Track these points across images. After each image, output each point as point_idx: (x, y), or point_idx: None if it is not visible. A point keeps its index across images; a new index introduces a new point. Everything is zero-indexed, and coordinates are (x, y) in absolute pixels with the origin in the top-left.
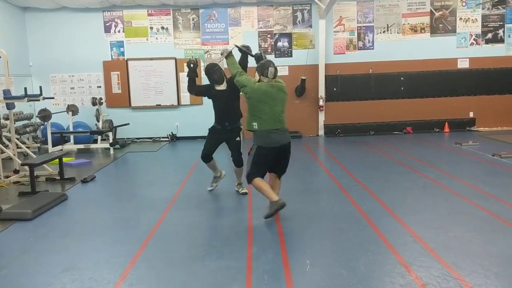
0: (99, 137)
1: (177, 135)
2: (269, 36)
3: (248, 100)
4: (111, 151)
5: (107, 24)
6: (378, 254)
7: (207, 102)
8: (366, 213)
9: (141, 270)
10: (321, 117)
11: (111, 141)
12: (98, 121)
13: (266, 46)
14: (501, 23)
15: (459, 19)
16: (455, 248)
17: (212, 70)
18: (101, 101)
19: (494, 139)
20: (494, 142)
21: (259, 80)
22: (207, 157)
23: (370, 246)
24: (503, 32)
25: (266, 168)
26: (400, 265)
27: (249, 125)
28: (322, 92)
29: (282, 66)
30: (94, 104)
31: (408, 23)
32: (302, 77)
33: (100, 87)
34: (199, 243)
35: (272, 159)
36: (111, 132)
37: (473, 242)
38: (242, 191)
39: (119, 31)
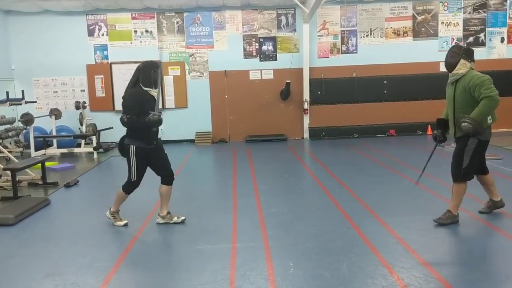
0: (83, 141)
1: (162, 139)
2: (253, 39)
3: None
4: (95, 155)
5: (90, 28)
6: (361, 256)
7: (192, 105)
8: (349, 215)
9: (124, 274)
10: (306, 120)
11: (94, 145)
12: (81, 125)
13: (251, 49)
14: (482, 27)
15: (441, 23)
16: (436, 249)
17: (156, 69)
18: (85, 105)
19: None
20: None
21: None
22: (136, 187)
23: (353, 247)
24: (484, 35)
25: None
26: (382, 267)
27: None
28: (306, 95)
29: (267, 69)
30: (77, 108)
31: (391, 27)
32: (287, 81)
33: (83, 90)
34: (183, 247)
35: None
36: (94, 136)
37: (453, 243)
38: (181, 218)
39: (102, 35)
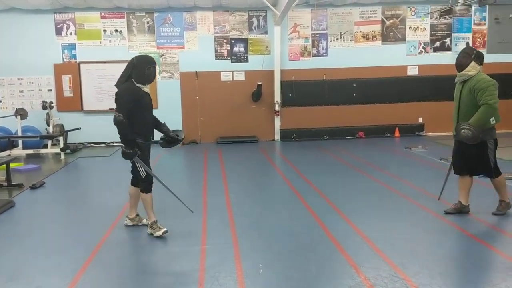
0: (50, 142)
1: None
2: (225, 41)
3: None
4: (62, 156)
5: (58, 26)
6: (329, 256)
7: (163, 105)
8: (318, 215)
9: (91, 276)
10: (277, 122)
11: (62, 146)
12: (48, 125)
13: (222, 51)
14: (448, 32)
15: (409, 28)
16: (402, 249)
17: (152, 65)
18: (52, 104)
19: (442, 144)
20: (442, 147)
21: None
22: (152, 181)
23: (321, 248)
24: (450, 41)
25: None
26: (349, 267)
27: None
28: (278, 97)
29: (239, 71)
30: (44, 108)
31: (360, 31)
32: (258, 83)
33: (50, 90)
34: (153, 249)
35: None
36: (62, 137)
37: (419, 243)
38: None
39: (71, 34)
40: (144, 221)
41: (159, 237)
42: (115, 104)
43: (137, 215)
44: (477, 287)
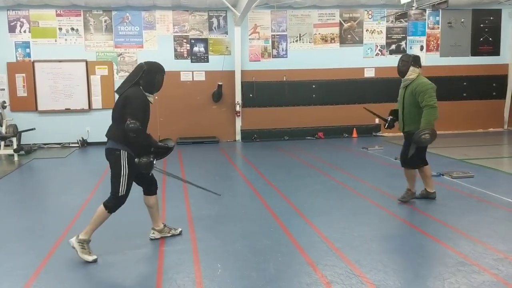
0: (2, 143)
1: (88, 141)
2: (185, 41)
3: None
4: (15, 158)
5: (11, 24)
6: (287, 255)
7: None
8: (277, 215)
9: (45, 281)
10: (238, 122)
11: (15, 147)
12: (1, 125)
13: (182, 50)
14: (404, 35)
15: (366, 31)
16: (358, 246)
17: (162, 73)
18: (5, 104)
19: (397, 144)
20: (397, 147)
21: None
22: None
23: (280, 247)
24: (406, 43)
25: None
26: (307, 265)
27: None
28: (238, 98)
29: (199, 71)
30: None
31: (319, 33)
32: (219, 83)
33: (3, 89)
34: (108, 252)
35: None
36: (15, 138)
37: (374, 241)
38: (178, 230)
39: (25, 31)
40: (173, 231)
41: (87, 260)
42: (118, 109)
43: (165, 225)
44: (428, 282)
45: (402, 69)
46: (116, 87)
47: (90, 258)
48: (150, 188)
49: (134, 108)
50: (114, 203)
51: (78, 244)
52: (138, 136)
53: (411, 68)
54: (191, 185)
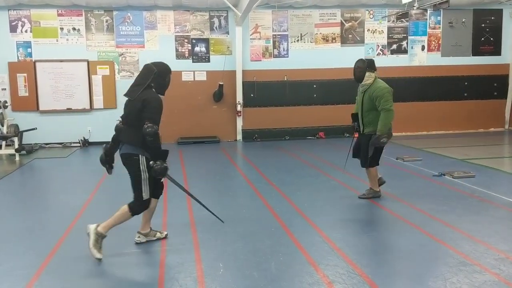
0: (3, 143)
1: (90, 140)
2: (186, 40)
3: None
4: (17, 158)
5: (13, 23)
6: (289, 255)
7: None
8: (278, 215)
9: (46, 282)
10: (239, 122)
11: (16, 146)
12: (2, 125)
13: (183, 50)
14: (405, 35)
15: (367, 31)
16: (359, 246)
17: (171, 73)
18: (6, 104)
19: (398, 144)
20: (398, 147)
21: None
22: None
23: (281, 247)
24: (407, 43)
25: None
26: (309, 265)
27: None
28: (239, 97)
29: (200, 71)
30: None
31: (320, 33)
32: (220, 83)
33: (4, 89)
34: (110, 252)
35: None
36: (16, 137)
37: (375, 240)
38: (164, 233)
39: (26, 31)
40: (158, 234)
41: (94, 255)
42: (136, 113)
43: (151, 229)
44: (430, 282)
45: (358, 75)
46: (118, 88)
47: (97, 255)
48: (155, 191)
49: (154, 112)
50: (138, 206)
51: (94, 235)
52: (156, 140)
53: (367, 73)
54: (195, 200)
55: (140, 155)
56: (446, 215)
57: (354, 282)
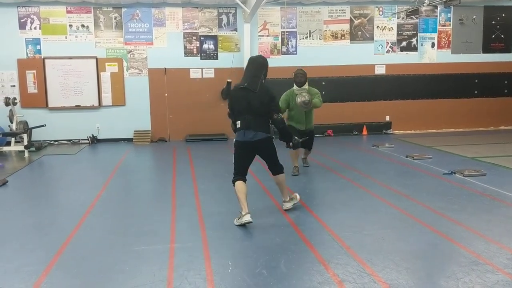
0: (13, 139)
1: (98, 137)
2: (194, 37)
3: None
4: (26, 154)
5: (22, 21)
6: (298, 253)
7: (131, 102)
8: (287, 213)
9: (56, 278)
10: None
11: (25, 143)
12: (11, 122)
13: (191, 47)
14: (415, 32)
15: (376, 27)
16: (369, 245)
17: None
18: (15, 101)
19: (408, 142)
20: (408, 144)
21: None
22: None
23: (291, 245)
24: (416, 40)
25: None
26: (318, 263)
27: None
28: None
29: (208, 68)
30: (7, 104)
31: (329, 30)
32: (228, 80)
33: (14, 86)
34: (118, 249)
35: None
36: (26, 134)
37: (385, 239)
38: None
39: (35, 28)
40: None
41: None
42: (266, 104)
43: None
44: (442, 281)
45: (302, 80)
46: (126, 84)
47: (289, 205)
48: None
49: (277, 104)
50: (282, 167)
51: (290, 203)
52: (286, 125)
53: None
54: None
55: (272, 137)
56: (457, 213)
57: (364, 281)
